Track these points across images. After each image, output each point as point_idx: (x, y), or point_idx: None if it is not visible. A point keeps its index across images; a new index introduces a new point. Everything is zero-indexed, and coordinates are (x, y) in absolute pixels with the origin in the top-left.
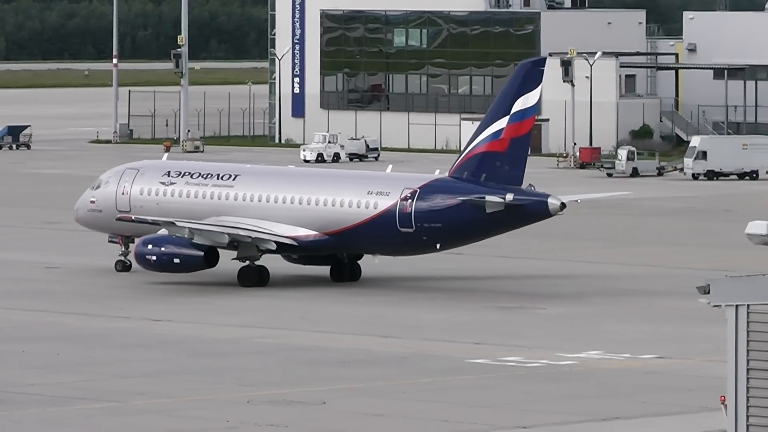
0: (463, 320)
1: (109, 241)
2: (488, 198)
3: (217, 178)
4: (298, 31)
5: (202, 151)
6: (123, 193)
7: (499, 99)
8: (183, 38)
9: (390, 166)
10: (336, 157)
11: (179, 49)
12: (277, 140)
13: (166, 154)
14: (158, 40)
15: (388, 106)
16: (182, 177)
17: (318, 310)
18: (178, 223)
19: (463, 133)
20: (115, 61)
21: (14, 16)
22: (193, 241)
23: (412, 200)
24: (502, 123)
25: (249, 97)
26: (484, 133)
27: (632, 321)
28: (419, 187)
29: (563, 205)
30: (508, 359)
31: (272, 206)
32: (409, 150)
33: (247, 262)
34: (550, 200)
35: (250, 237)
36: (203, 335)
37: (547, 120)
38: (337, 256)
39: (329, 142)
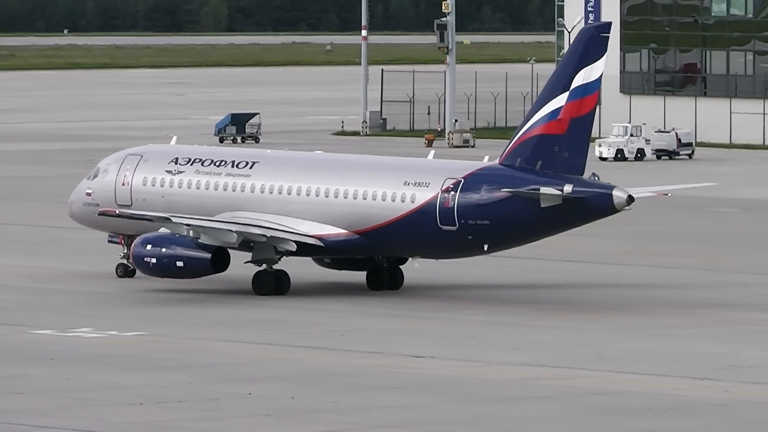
0: None
1: (109, 241)
2: (543, 190)
3: (232, 166)
4: None
5: (473, 146)
6: (123, 184)
7: (557, 72)
8: (449, 5)
9: (432, 152)
10: (640, 154)
11: (444, 19)
12: None
13: (174, 137)
14: (417, 8)
15: (704, 90)
16: (192, 164)
17: (617, 345)
18: (174, 219)
19: None
20: (364, 33)
21: None
22: (200, 240)
23: (455, 192)
24: (560, 100)
25: (531, 78)
26: (540, 113)
27: None
28: (463, 177)
29: (631, 199)
30: None
31: (294, 199)
32: (731, 146)
33: (263, 266)
34: (615, 193)
35: (264, 236)
36: (474, 376)
37: None
38: (374, 259)
39: (631, 135)
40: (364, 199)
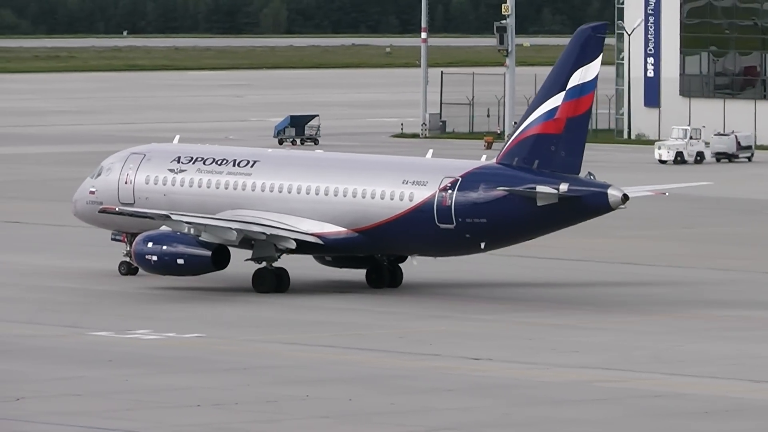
0: None
1: (113, 239)
2: (539, 189)
3: (234, 165)
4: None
5: None
6: (126, 183)
7: (553, 72)
8: (509, 7)
9: (430, 151)
10: (699, 157)
11: (504, 21)
12: (625, 135)
13: (177, 136)
14: (477, 10)
15: (764, 93)
16: (194, 163)
17: (674, 347)
18: (174, 217)
19: None
20: (423, 35)
21: None
22: (201, 238)
23: (453, 191)
24: (557, 100)
25: None
26: (537, 113)
27: None
28: (461, 176)
29: (626, 197)
30: None
31: (294, 198)
32: None
33: (264, 264)
34: (610, 191)
35: (264, 234)
36: (531, 378)
37: None
38: (374, 257)
39: (691, 138)
40: (364, 197)
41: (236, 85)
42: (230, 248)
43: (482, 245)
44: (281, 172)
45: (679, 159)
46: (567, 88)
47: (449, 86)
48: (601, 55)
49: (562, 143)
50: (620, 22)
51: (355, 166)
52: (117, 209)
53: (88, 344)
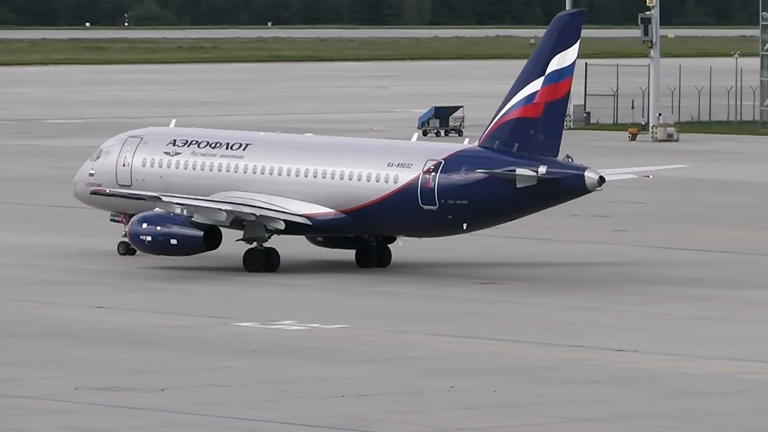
0: None
1: (111, 220)
2: (519, 171)
3: (227, 148)
4: None
5: (677, 140)
6: (124, 165)
7: (532, 58)
8: None
9: (415, 135)
10: None
11: (648, 13)
12: None
13: (173, 120)
14: (622, 2)
15: None
16: (188, 146)
17: None
18: (164, 198)
19: None
20: None
21: None
22: (193, 219)
23: (436, 173)
24: (536, 85)
25: (735, 72)
26: (517, 97)
27: None
28: (444, 159)
29: (602, 180)
30: None
31: (284, 180)
32: None
33: (254, 244)
34: (587, 174)
35: (254, 215)
36: (675, 369)
37: None
38: (363, 238)
39: None
40: (350, 179)
41: (380, 76)
42: (222, 229)
43: (464, 226)
44: (272, 155)
45: None
46: (546, 74)
47: (593, 77)
48: (579, 41)
49: (541, 127)
50: (764, 13)
51: (342, 149)
52: (108, 191)
53: (233, 335)
